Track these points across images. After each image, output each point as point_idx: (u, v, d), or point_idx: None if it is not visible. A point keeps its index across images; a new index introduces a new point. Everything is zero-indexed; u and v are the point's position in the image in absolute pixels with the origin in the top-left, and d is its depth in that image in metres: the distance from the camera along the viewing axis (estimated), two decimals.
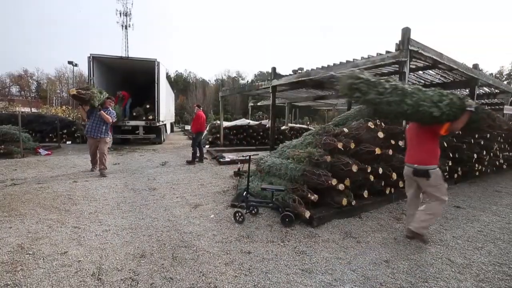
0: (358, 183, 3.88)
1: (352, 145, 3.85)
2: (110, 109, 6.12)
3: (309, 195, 3.42)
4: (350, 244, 2.86)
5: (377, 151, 3.92)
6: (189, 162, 7.61)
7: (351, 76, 2.67)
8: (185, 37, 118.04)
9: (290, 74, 7.90)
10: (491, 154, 6.62)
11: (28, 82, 48.65)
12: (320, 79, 7.33)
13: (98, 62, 10.89)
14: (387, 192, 4.28)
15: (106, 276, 2.19)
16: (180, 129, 27.38)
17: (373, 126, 4.06)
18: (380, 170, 4.04)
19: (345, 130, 4.09)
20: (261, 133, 12.99)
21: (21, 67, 66.85)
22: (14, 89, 48.48)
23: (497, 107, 10.39)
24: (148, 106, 11.93)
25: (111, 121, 5.96)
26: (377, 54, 5.16)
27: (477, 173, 6.23)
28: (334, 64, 6.19)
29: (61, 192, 4.53)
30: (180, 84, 54.74)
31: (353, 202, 3.67)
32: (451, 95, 2.70)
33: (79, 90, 5.67)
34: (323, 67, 6.47)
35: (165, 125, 14.61)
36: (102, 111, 5.84)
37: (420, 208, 2.92)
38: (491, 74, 36.74)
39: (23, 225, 3.13)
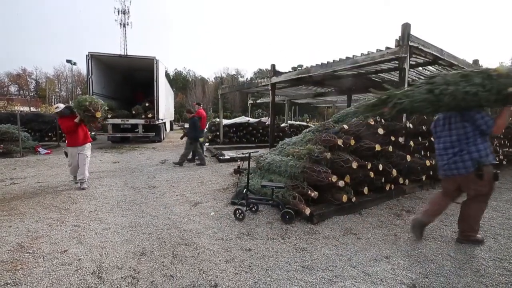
0: (358, 180, 3.87)
1: (352, 142, 3.84)
2: None
3: (309, 192, 3.41)
4: (351, 240, 2.86)
5: (377, 147, 3.91)
6: (189, 160, 7.60)
7: None
8: (184, 35, 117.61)
9: (290, 71, 7.86)
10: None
11: (26, 81, 48.47)
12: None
13: (97, 60, 10.85)
14: (387, 188, 4.27)
15: (107, 274, 2.18)
16: (179, 127, 27.34)
17: (373, 123, 4.05)
18: (380, 167, 4.03)
19: (345, 126, 4.07)
20: (261, 131, 12.98)
21: (19, 66, 66.53)
22: (13, 88, 48.44)
23: None
24: (147, 104, 11.91)
25: None
26: (376, 50, 5.13)
27: None
28: (334, 60, 6.16)
29: (60, 190, 4.52)
30: (179, 82, 54.63)
31: (353, 199, 3.67)
32: None
33: None
34: (322, 64, 6.45)
35: (164, 123, 14.60)
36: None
37: None
38: None
39: (23, 224, 3.13)
